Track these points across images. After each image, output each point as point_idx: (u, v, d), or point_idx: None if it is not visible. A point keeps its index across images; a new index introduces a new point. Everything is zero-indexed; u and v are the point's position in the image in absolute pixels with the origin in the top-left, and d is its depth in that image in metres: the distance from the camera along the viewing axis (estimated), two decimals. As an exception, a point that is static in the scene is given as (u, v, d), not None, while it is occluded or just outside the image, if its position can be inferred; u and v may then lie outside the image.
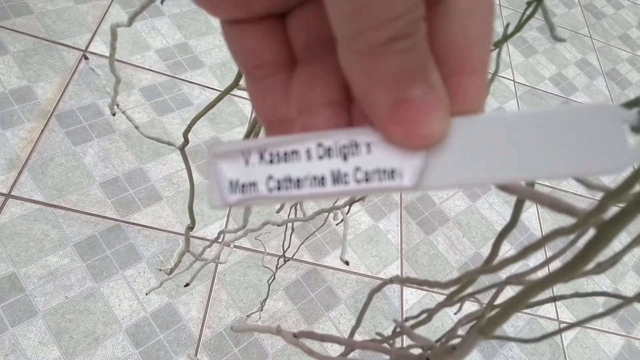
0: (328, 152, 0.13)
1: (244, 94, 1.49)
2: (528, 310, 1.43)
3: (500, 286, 0.33)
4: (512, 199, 1.62)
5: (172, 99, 1.39)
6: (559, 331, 0.31)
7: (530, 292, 0.18)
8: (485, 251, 1.48)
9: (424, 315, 0.38)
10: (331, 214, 0.69)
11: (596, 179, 1.70)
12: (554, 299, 0.36)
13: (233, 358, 1.08)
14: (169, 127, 1.33)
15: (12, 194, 1.11)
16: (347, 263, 0.43)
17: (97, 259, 1.10)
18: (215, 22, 1.60)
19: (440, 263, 1.41)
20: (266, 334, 1.12)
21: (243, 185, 0.13)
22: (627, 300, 0.27)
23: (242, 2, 0.13)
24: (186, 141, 0.48)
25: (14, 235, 1.07)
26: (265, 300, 0.88)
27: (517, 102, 1.92)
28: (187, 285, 0.72)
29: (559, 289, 1.50)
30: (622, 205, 0.14)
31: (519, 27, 0.29)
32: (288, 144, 0.13)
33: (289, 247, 0.92)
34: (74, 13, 1.43)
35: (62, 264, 1.07)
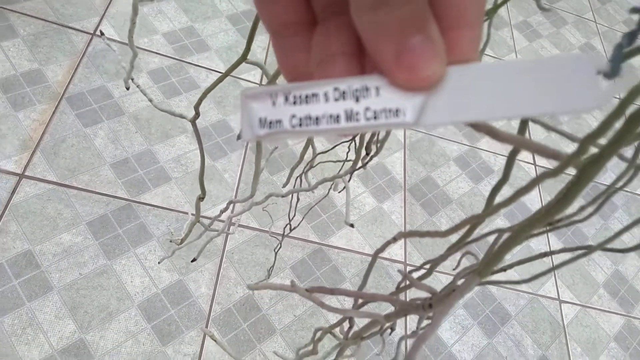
0: (343, 94, 0.15)
1: (250, 77, 1.51)
2: (529, 290, 1.45)
3: (498, 234, 0.35)
4: (515, 181, 1.64)
5: (179, 82, 1.41)
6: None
7: (516, 238, 0.21)
8: (488, 230, 1.51)
9: (426, 268, 0.40)
10: (333, 185, 0.71)
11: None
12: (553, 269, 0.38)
13: (242, 333, 1.12)
14: (177, 110, 1.35)
15: (26, 174, 1.14)
16: (352, 226, 0.45)
17: (109, 237, 1.13)
18: (221, 6, 1.61)
19: (444, 243, 1.44)
20: (275, 312, 1.16)
21: (270, 122, 0.15)
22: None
23: None
24: (197, 114, 0.50)
25: (29, 214, 1.10)
26: (272, 268, 0.91)
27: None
28: (194, 260, 0.75)
29: (562, 273, 1.52)
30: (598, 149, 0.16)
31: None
32: (309, 88, 0.15)
33: (294, 216, 0.94)
34: (82, -3, 1.45)
35: (76, 241, 1.10)
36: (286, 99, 0.15)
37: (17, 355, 0.97)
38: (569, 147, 1.82)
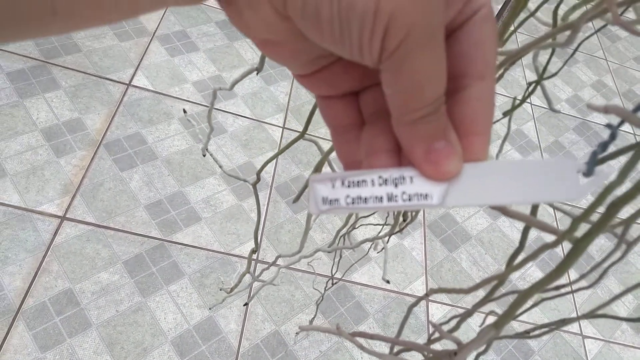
0: (385, 181, 0.19)
1: (274, 121, 1.60)
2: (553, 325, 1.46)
3: (517, 295, 0.39)
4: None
5: (208, 127, 1.49)
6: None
7: (526, 295, 0.25)
8: (508, 267, 1.53)
9: (454, 321, 0.44)
10: (375, 243, 0.77)
11: (565, 208, 1.75)
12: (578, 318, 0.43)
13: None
14: (206, 154, 1.44)
15: (67, 216, 1.22)
16: (388, 282, 0.50)
17: (143, 275, 1.19)
18: (246, 56, 1.72)
19: (464, 279, 1.47)
20: (302, 347, 1.19)
21: (330, 200, 0.20)
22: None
23: (331, 86, 0.22)
24: (258, 179, 0.55)
25: (69, 254, 1.17)
26: (313, 319, 0.95)
27: (535, 124, 1.98)
28: (246, 304, 0.79)
29: (583, 308, 1.53)
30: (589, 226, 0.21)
31: (523, 100, 0.37)
32: (359, 176, 0.19)
33: (336, 271, 1.01)
34: (118, 50, 1.56)
35: (113, 280, 1.16)
36: (342, 183, 0.20)
37: (57, 390, 1.01)
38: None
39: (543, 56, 2.23)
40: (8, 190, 1.21)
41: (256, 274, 0.66)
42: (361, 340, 1.27)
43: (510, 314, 0.28)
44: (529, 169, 0.18)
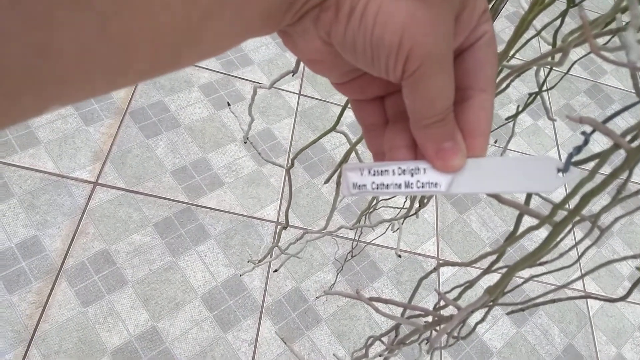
0: (403, 171, 0.23)
1: (290, 88, 1.64)
2: (556, 282, 1.54)
3: (508, 273, 0.45)
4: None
5: (227, 94, 1.54)
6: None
7: (512, 270, 0.31)
8: (516, 228, 1.60)
9: (457, 292, 0.50)
10: (392, 224, 0.83)
11: (548, 196, 1.79)
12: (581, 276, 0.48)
13: (292, 322, 1.25)
14: (226, 120, 1.49)
15: (99, 181, 1.29)
16: (399, 256, 0.55)
17: (173, 237, 1.27)
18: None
19: (474, 240, 1.54)
20: (320, 302, 1.28)
21: (359, 185, 0.24)
22: None
23: (362, 92, 0.26)
24: (292, 164, 0.60)
25: (103, 217, 1.25)
26: (332, 285, 1.03)
27: (546, 86, 2.01)
28: (276, 271, 0.86)
29: (588, 265, 1.61)
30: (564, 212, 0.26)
31: (524, 108, 0.42)
32: (383, 166, 0.23)
33: (356, 245, 1.07)
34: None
35: (145, 241, 1.25)
36: (369, 172, 0.24)
37: (100, 340, 1.12)
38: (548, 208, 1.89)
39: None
40: (43, 157, 1.29)
41: (280, 242, 0.72)
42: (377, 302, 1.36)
43: (501, 283, 0.34)
44: (518, 164, 0.22)
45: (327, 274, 1.34)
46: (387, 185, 0.23)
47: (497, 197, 0.33)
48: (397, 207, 0.76)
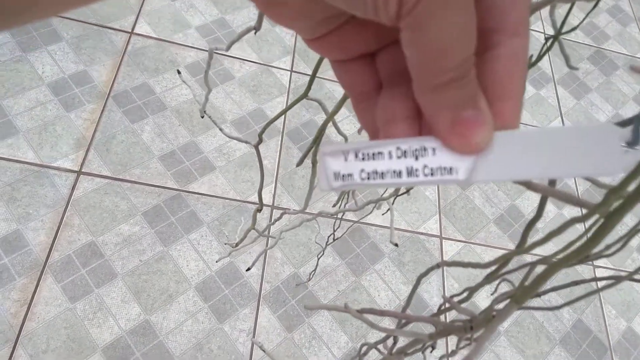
0: (404, 153, 0.17)
1: (282, 64, 1.56)
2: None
3: (531, 266, 0.38)
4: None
5: (215, 74, 1.47)
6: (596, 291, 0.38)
7: (552, 270, 0.24)
8: (520, 203, 1.55)
9: (465, 294, 0.44)
10: (380, 204, 0.76)
11: (600, 179, 1.72)
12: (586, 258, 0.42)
13: (291, 309, 1.20)
14: (215, 101, 1.42)
15: (83, 170, 1.23)
16: (396, 245, 0.50)
17: (163, 225, 1.21)
18: (249, -4, 1.66)
19: (477, 216, 1.48)
20: (320, 287, 1.23)
21: (343, 175, 0.18)
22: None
23: (344, 49, 0.19)
24: (260, 140, 0.53)
25: (89, 207, 1.19)
26: (313, 272, 0.97)
27: (549, 55, 1.93)
28: (248, 269, 0.81)
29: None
30: (621, 200, 0.20)
31: (538, 59, 0.35)
32: (375, 147, 0.17)
33: (338, 227, 1.02)
34: (117, -3, 1.51)
35: (134, 231, 1.19)
36: (356, 155, 0.18)
37: (90, 337, 1.06)
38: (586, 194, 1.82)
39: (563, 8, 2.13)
40: (22, 147, 1.22)
41: (270, 223, 0.66)
42: (378, 279, 1.31)
43: (532, 290, 0.27)
44: (566, 137, 0.16)
45: (326, 257, 1.29)
46: (382, 173, 0.17)
47: (526, 183, 0.26)
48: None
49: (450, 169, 0.16)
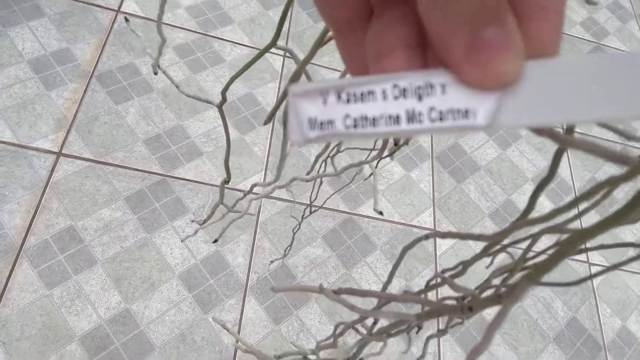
0: (403, 92, 0.13)
1: (274, 49, 1.51)
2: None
3: (536, 237, 0.34)
4: (543, 147, 1.63)
5: (204, 56, 1.41)
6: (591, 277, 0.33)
7: (577, 241, 0.19)
8: (516, 198, 1.51)
9: (459, 268, 0.40)
10: (361, 168, 0.71)
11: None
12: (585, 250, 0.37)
13: (279, 300, 1.15)
14: (204, 85, 1.37)
15: (63, 152, 1.17)
16: (380, 213, 0.45)
17: (147, 211, 1.16)
18: (242, -23, 1.60)
19: (472, 210, 1.45)
20: (310, 280, 1.18)
21: (321, 123, 0.14)
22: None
23: None
24: (224, 99, 0.48)
25: (69, 191, 1.13)
26: (289, 247, 0.93)
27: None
28: (215, 241, 0.76)
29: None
30: None
31: None
32: (364, 84, 0.13)
33: (316, 199, 0.96)
34: (104, -27, 1.45)
35: (115, 216, 1.13)
36: (339, 96, 0.14)
37: (67, 325, 1.01)
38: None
39: None
40: (-1, 126, 1.16)
41: (240, 198, 0.61)
42: (369, 272, 1.26)
43: (552, 264, 0.23)
44: (619, 66, 0.12)
45: (316, 248, 1.25)
46: (374, 119, 0.13)
47: (554, 135, 0.21)
48: (366, 149, 0.63)
49: (466, 111, 0.13)
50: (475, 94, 0.12)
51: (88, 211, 1.12)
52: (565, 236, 0.27)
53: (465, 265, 0.38)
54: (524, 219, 0.29)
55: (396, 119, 0.13)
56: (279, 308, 1.15)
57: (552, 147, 1.63)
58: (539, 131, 0.16)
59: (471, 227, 1.42)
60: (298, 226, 1.10)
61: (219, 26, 1.48)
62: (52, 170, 1.14)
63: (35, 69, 1.25)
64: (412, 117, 0.13)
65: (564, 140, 0.21)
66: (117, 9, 1.40)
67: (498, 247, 0.35)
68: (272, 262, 1.18)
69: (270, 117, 0.41)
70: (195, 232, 0.79)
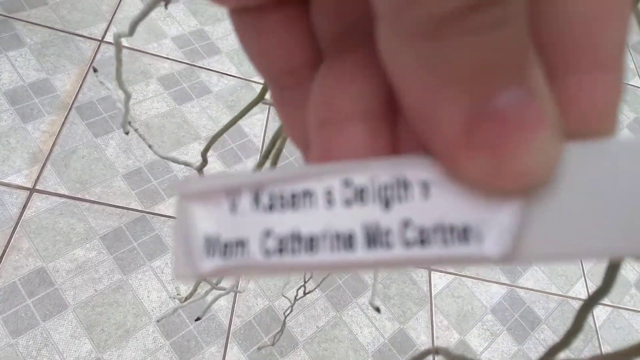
0: (360, 194, 0.08)
1: (263, 80, 1.47)
2: (559, 292, 1.40)
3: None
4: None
5: (190, 87, 1.37)
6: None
7: None
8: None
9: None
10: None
11: None
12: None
13: (264, 347, 1.08)
14: (189, 116, 1.32)
15: (37, 187, 1.11)
16: (377, 310, 0.39)
17: (124, 251, 1.09)
18: (231, 7, 1.57)
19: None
20: (297, 323, 1.11)
21: (226, 245, 0.09)
22: None
23: None
24: (204, 162, 0.42)
25: (41, 229, 1.07)
26: (280, 334, 0.87)
27: None
28: (198, 319, 0.69)
29: (589, 269, 1.47)
30: None
31: None
32: (298, 179, 0.09)
33: (311, 277, 0.90)
34: (89, 2, 1.41)
35: (90, 257, 1.06)
36: (256, 199, 0.09)
37: (33, 377, 0.93)
38: None
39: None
40: (-31, 160, 1.10)
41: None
42: (361, 315, 1.19)
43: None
44: None
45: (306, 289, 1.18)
46: (312, 239, 0.08)
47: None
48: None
49: (465, 230, 0.08)
50: (481, 200, 0.08)
51: (60, 251, 1.06)
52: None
53: None
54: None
55: (348, 240, 0.08)
56: (264, 355, 1.07)
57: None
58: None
59: (468, 268, 1.35)
60: (290, 309, 1.04)
61: (205, 56, 1.44)
62: (24, 207, 1.08)
63: (12, 101, 1.20)
64: (374, 237, 0.08)
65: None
66: (100, 38, 1.36)
67: None
68: (259, 349, 1.11)
69: (264, 160, 0.35)
70: (174, 312, 0.72)
